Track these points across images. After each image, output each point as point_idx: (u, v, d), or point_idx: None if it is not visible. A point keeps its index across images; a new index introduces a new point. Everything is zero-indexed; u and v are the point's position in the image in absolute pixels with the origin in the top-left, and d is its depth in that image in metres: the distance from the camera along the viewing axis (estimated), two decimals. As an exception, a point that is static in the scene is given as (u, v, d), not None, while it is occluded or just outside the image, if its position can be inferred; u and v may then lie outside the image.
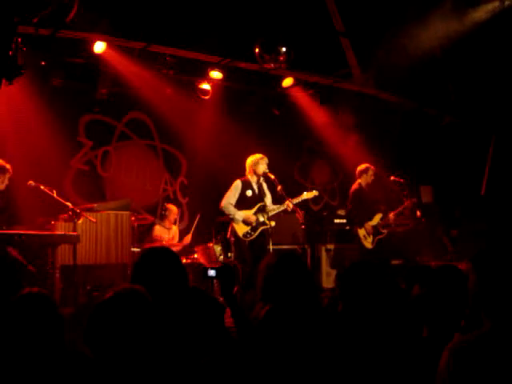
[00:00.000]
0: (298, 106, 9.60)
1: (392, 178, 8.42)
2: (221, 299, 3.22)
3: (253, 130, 9.46)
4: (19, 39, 5.95)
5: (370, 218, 8.06)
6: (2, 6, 5.48)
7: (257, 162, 7.03)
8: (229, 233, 7.11)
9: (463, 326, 2.68)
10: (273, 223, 6.95)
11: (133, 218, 7.48)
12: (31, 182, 6.30)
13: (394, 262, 8.64)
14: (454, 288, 2.84)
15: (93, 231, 6.94)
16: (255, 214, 6.97)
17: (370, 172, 8.17)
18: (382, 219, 8.10)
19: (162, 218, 8.45)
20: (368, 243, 7.99)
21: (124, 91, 8.38)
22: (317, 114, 9.67)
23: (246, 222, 6.92)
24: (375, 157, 9.29)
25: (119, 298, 2.17)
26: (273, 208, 7.07)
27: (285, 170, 9.03)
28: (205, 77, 8.42)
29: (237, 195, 7.01)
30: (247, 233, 6.90)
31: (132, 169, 9.13)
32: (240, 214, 6.93)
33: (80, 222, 6.58)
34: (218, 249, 7.89)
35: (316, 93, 9.35)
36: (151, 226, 8.38)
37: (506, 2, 7.19)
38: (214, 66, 8.25)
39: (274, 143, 9.29)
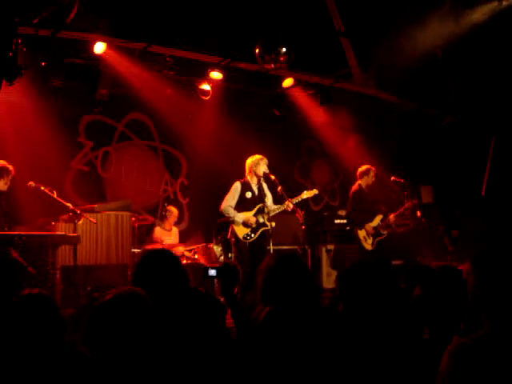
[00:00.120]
0: (298, 106, 9.60)
1: (392, 178, 8.41)
2: (221, 299, 3.22)
3: (253, 131, 9.47)
4: (19, 40, 5.96)
5: (371, 220, 8.06)
6: (2, 7, 5.48)
7: (257, 163, 6.99)
8: (229, 233, 7.09)
9: (462, 329, 2.68)
10: (273, 224, 6.92)
11: (133, 219, 7.48)
12: (31, 183, 6.30)
13: (395, 262, 8.64)
14: (455, 289, 2.84)
15: (93, 232, 6.94)
16: (255, 215, 6.94)
17: (371, 173, 8.16)
18: (382, 220, 8.08)
19: (162, 219, 8.45)
20: (368, 245, 7.98)
21: (124, 92, 8.38)
22: (317, 115, 9.67)
23: (246, 224, 6.90)
24: (375, 157, 9.28)
25: (118, 300, 2.17)
26: (273, 208, 7.05)
27: (285, 171, 9.04)
28: (205, 77, 8.41)
29: (236, 197, 6.98)
30: (247, 235, 6.88)
31: (132, 169, 9.13)
32: (240, 216, 6.90)
33: (80, 222, 6.58)
34: (218, 249, 7.89)
35: (316, 93, 9.34)
36: (151, 228, 8.38)
37: (504, 3, 7.19)
38: (214, 67, 8.24)
39: (275, 143, 9.29)
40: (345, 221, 9.01)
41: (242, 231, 6.89)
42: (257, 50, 7.49)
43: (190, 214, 9.59)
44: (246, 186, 7.04)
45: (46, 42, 6.93)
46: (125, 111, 9.08)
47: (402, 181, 8.31)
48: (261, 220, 6.93)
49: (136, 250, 7.47)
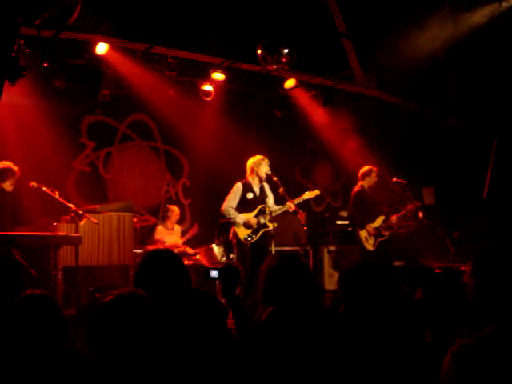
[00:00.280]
0: (300, 107, 9.60)
1: (394, 179, 8.40)
2: (223, 301, 3.22)
3: (255, 132, 9.46)
4: (22, 41, 5.98)
5: (373, 221, 8.05)
6: (4, 8, 5.49)
7: (258, 164, 6.97)
8: (231, 234, 7.08)
9: (465, 331, 2.67)
10: (275, 225, 6.91)
11: (135, 220, 7.49)
12: (33, 184, 6.31)
13: (396, 263, 8.63)
14: (457, 292, 2.83)
15: (95, 232, 6.95)
16: (256, 216, 6.93)
17: (374, 174, 8.16)
18: (384, 222, 8.08)
19: (164, 219, 8.45)
20: (369, 245, 7.97)
21: (126, 93, 8.38)
22: (319, 116, 9.67)
23: (247, 225, 6.88)
24: (377, 158, 9.27)
25: (119, 301, 2.17)
26: (275, 209, 7.03)
27: (287, 172, 9.02)
28: (207, 78, 8.41)
29: (238, 198, 6.97)
30: (248, 236, 6.86)
31: (134, 170, 9.13)
32: (241, 217, 6.89)
33: (82, 223, 6.58)
34: (220, 250, 7.88)
35: (318, 94, 9.35)
36: (153, 228, 8.38)
37: (504, 4, 7.19)
38: (217, 68, 8.24)
39: (276, 145, 9.29)
40: (346, 222, 9.00)
41: (243, 232, 6.88)
42: (259, 51, 7.50)
43: (192, 215, 9.59)
44: (247, 187, 7.02)
45: (49, 42, 6.93)
46: (127, 112, 9.08)
47: (404, 182, 8.30)
48: (262, 221, 6.92)
49: (138, 251, 7.48)
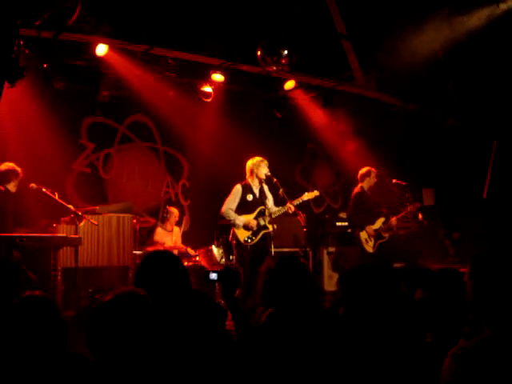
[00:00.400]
0: (300, 108, 9.60)
1: (394, 180, 8.40)
2: (222, 302, 3.22)
3: (254, 133, 9.46)
4: (21, 41, 5.97)
5: (373, 222, 8.04)
6: (4, 9, 5.49)
7: (258, 165, 6.96)
8: (230, 236, 7.07)
9: (467, 332, 2.67)
10: (274, 226, 6.90)
11: (134, 221, 7.48)
12: (33, 185, 6.32)
13: (396, 264, 8.63)
14: (457, 292, 2.83)
15: (94, 234, 6.95)
16: (256, 218, 6.92)
17: (373, 175, 8.16)
18: (384, 223, 8.07)
19: (164, 220, 8.45)
20: (369, 247, 7.97)
21: (126, 94, 8.39)
22: (318, 117, 9.67)
23: (246, 227, 6.87)
24: (377, 159, 9.28)
25: (119, 300, 2.16)
26: (275, 210, 7.02)
27: (286, 173, 9.02)
28: (207, 79, 8.42)
29: (237, 200, 6.95)
30: (248, 237, 6.85)
31: (134, 171, 9.13)
32: (241, 219, 6.88)
33: (82, 224, 6.59)
34: (219, 252, 7.88)
35: (318, 95, 9.35)
36: (153, 229, 8.38)
37: (501, 6, 7.20)
38: (216, 69, 8.25)
39: (276, 146, 9.28)
40: (346, 223, 9.00)
41: (242, 234, 6.86)
42: (259, 53, 7.51)
43: (192, 216, 9.58)
44: (246, 189, 7.01)
45: (48, 43, 6.94)
46: (126, 113, 9.08)
47: (404, 183, 8.30)
48: (262, 223, 6.91)
49: (137, 252, 7.47)
